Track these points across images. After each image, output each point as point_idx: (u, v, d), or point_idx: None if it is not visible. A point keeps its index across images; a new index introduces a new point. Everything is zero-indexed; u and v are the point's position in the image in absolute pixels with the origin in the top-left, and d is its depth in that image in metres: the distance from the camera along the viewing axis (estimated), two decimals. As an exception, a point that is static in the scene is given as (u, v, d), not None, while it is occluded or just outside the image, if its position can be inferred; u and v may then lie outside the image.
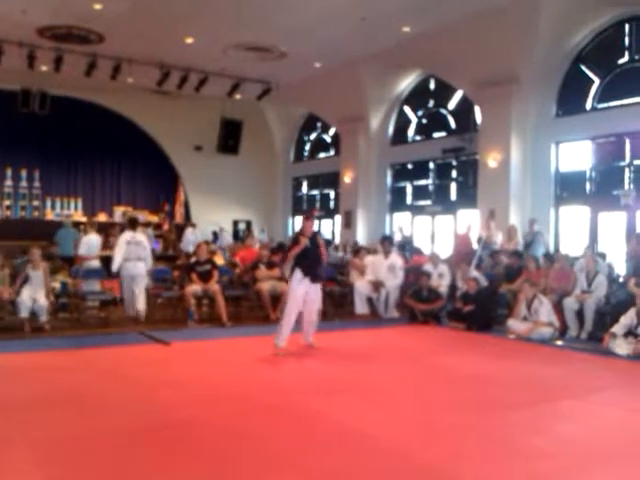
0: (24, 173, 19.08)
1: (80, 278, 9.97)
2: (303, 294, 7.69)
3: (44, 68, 15.60)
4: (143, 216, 19.09)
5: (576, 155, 13.24)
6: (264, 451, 4.27)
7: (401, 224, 16.45)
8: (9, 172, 18.87)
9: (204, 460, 4.08)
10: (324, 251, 8.08)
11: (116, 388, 5.89)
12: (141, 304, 9.75)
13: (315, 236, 7.97)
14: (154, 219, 19.60)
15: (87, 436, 4.47)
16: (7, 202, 18.68)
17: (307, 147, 21.83)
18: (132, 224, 10.50)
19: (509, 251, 11.53)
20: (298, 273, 7.67)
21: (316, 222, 20.68)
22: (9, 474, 3.76)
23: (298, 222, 21.95)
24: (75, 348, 7.79)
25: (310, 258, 7.75)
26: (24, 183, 19.07)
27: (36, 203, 19.08)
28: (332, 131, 20.05)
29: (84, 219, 17.54)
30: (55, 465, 3.95)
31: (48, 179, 19.66)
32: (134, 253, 9.84)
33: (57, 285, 9.66)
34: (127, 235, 10.01)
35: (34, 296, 8.62)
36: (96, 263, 10.85)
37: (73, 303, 9.85)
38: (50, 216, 19.02)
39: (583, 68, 13.02)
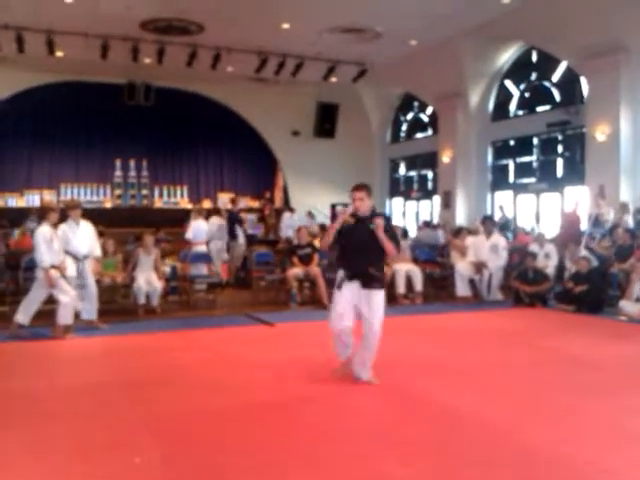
0: (132, 163, 19.98)
1: (188, 262, 10.41)
2: (347, 304, 5.28)
3: (147, 61, 16.23)
4: (245, 202, 19.60)
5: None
6: (366, 429, 4.33)
7: (501, 203, 16.00)
8: (118, 163, 19.82)
9: (307, 440, 4.17)
10: (387, 241, 5.20)
11: (223, 367, 6.12)
12: (220, 268, 11.82)
13: (371, 218, 5.26)
14: (255, 204, 20.06)
15: (196, 413, 4.68)
16: (118, 191, 19.65)
17: (404, 127, 21.59)
18: (217, 212, 13.22)
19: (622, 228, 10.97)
20: (340, 273, 5.37)
21: (406, 202, 20.48)
22: (129, 448, 3.98)
23: (395, 204, 21.83)
24: (185, 329, 8.12)
25: (358, 250, 5.25)
26: (133, 173, 19.98)
27: (145, 192, 19.96)
28: (429, 110, 19.71)
29: (190, 206, 18.23)
30: (170, 440, 4.16)
31: (155, 168, 20.51)
32: (217, 233, 12.18)
33: (167, 269, 10.10)
34: (214, 219, 12.41)
35: (148, 279, 9.08)
36: (203, 248, 11.31)
37: (182, 286, 10.28)
38: (159, 204, 19.86)
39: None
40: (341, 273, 5.33)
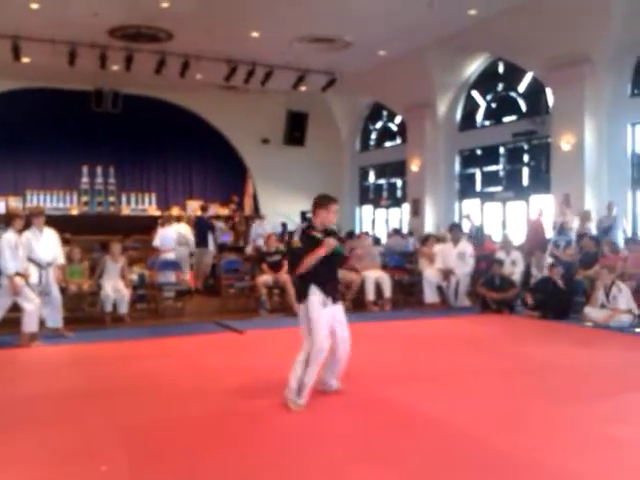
0: (99, 170, 19.73)
1: (156, 270, 10.32)
2: (331, 322, 5.10)
3: (115, 68, 16.08)
4: (214, 209, 19.49)
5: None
6: (337, 436, 4.33)
7: (469, 212, 16.19)
8: (85, 169, 19.55)
9: (278, 448, 4.16)
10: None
11: (192, 375, 6.07)
12: (187, 275, 11.75)
13: (332, 233, 5.16)
14: (224, 212, 19.97)
15: (165, 421, 4.64)
16: (84, 198, 19.36)
17: (373, 136, 21.73)
18: (178, 219, 13.18)
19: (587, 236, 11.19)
20: (317, 293, 5.00)
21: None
22: (96, 456, 3.93)
23: (365, 212, 21.93)
24: (153, 337, 8.06)
25: (327, 266, 5.08)
26: (100, 180, 19.71)
27: (112, 199, 19.70)
28: (398, 119, 19.87)
29: (158, 213, 18.07)
30: (138, 448, 4.13)
31: (122, 175, 20.26)
32: (180, 240, 12.05)
33: (135, 277, 9.99)
34: (175, 227, 12.31)
35: (116, 287, 8.98)
36: (172, 255, 11.23)
37: (150, 294, 10.18)
38: (126, 211, 19.63)
39: (661, 44, 12.44)
40: (317, 291, 4.99)
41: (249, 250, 13.77)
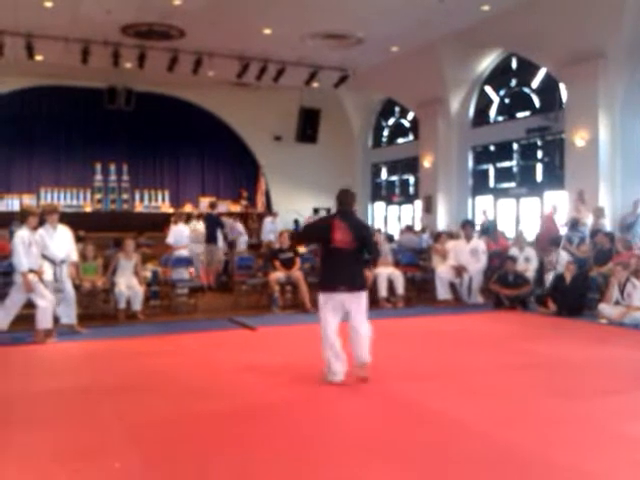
0: (113, 167, 19.83)
1: (170, 267, 10.35)
2: None
3: (128, 65, 16.14)
4: (226, 206, 19.53)
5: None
6: (349, 435, 4.33)
7: (484, 208, 16.12)
8: (98, 167, 19.65)
9: (289, 445, 4.16)
10: None
11: (205, 372, 6.10)
12: (200, 270, 12.07)
13: None
14: (236, 209, 20.00)
15: (178, 418, 4.65)
16: (98, 196, 19.45)
17: (385, 133, 21.69)
18: (197, 217, 13.86)
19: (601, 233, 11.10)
20: None
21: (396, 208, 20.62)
22: (109, 453, 3.96)
23: (377, 208, 21.91)
24: (166, 334, 8.09)
25: None
26: (113, 177, 19.81)
27: (125, 196, 19.78)
28: (410, 115, 19.82)
29: (171, 210, 18.14)
30: (151, 445, 4.13)
31: (135, 172, 20.35)
32: (195, 238, 12.43)
33: (148, 274, 10.03)
34: (190, 225, 12.83)
35: (129, 284, 9.03)
36: (185, 252, 11.27)
37: (163, 291, 10.22)
38: (139, 208, 19.71)
39: (676, 38, 12.30)
40: None
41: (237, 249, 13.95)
